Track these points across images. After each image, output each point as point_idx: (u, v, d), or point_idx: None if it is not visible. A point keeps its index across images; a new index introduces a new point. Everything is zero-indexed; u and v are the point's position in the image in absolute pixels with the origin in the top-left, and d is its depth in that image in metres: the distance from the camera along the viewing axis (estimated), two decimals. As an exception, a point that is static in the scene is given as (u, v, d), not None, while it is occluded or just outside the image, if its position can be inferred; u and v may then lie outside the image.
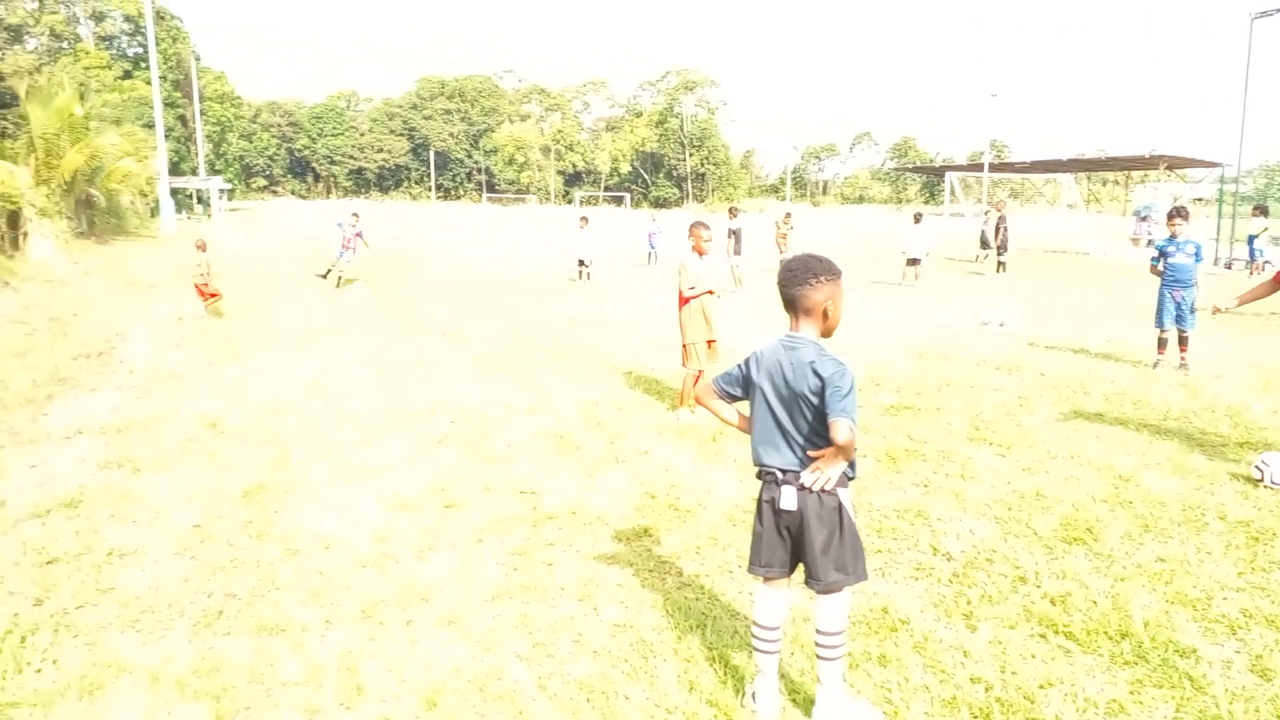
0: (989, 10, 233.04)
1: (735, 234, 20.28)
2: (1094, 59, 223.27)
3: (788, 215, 23.88)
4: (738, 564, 4.90)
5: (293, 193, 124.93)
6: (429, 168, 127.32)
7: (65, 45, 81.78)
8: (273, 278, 21.45)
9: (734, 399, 3.57)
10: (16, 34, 79.64)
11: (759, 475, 3.43)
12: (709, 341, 8.15)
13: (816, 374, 3.21)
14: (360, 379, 9.80)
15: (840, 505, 3.29)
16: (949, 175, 56.95)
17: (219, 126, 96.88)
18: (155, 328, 13.74)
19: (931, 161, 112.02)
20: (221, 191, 63.70)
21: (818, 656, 3.41)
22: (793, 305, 3.37)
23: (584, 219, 22.20)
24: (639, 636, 4.11)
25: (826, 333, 3.39)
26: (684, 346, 8.20)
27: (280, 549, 5.16)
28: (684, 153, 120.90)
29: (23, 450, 7.12)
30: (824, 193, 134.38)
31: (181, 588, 4.66)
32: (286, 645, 4.06)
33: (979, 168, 50.68)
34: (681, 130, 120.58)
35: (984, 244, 25.26)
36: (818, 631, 3.39)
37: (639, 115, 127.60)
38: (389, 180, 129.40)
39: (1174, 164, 39.64)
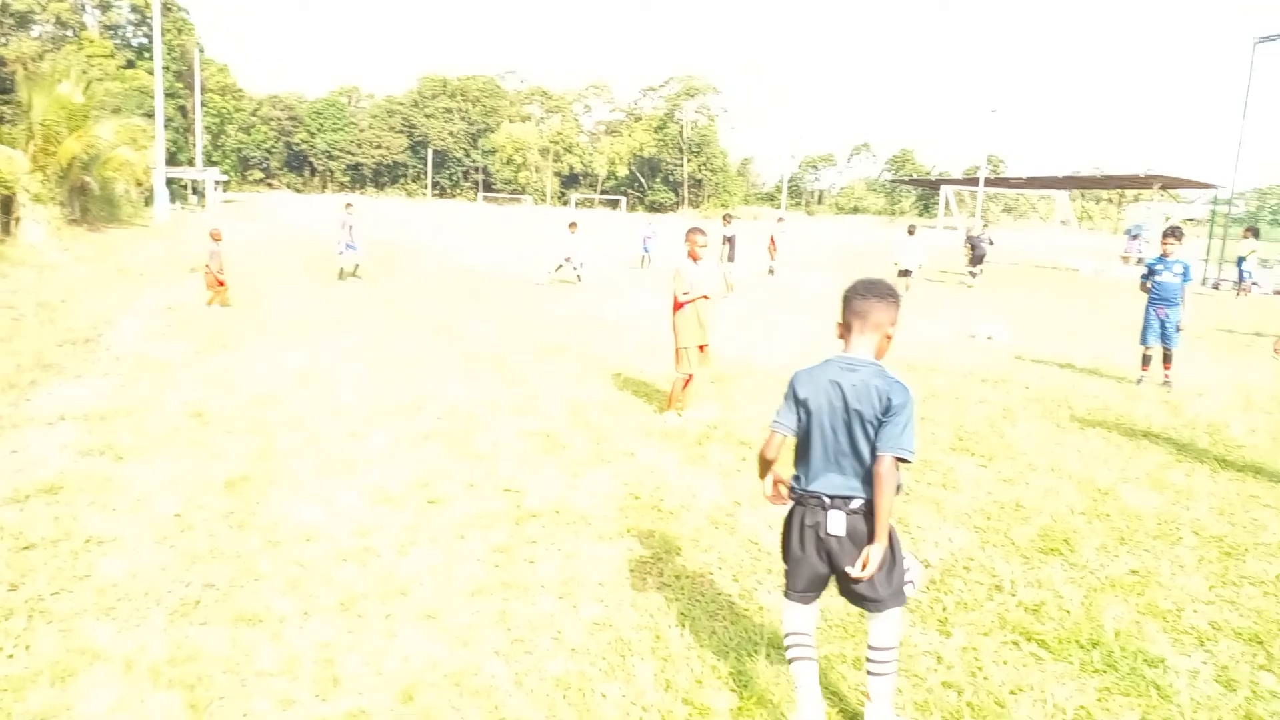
0: (993, 28, 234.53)
1: (730, 240, 20.36)
2: (1094, 78, 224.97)
3: (780, 220, 26.03)
4: (718, 566, 4.94)
5: (289, 186, 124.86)
6: (426, 165, 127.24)
7: (70, 33, 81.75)
8: (265, 269, 21.40)
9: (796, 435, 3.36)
10: (23, 20, 79.65)
11: (795, 497, 3.32)
12: (701, 346, 8.19)
13: (885, 398, 3.09)
14: (349, 372, 9.80)
15: (889, 529, 3.20)
16: (944, 188, 57.12)
17: (219, 118, 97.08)
18: (144, 316, 13.70)
19: (928, 174, 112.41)
20: (217, 183, 63.81)
21: (869, 673, 3.36)
22: (861, 317, 3.23)
23: (573, 224, 22.14)
24: (618, 635, 4.14)
25: (880, 354, 3.26)
26: (676, 350, 8.23)
27: (261, 540, 5.16)
28: (682, 158, 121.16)
29: (3, 435, 7.09)
30: (819, 202, 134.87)
31: (159, 576, 4.65)
32: (264, 636, 4.07)
33: (974, 182, 50.82)
34: (681, 136, 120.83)
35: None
36: (871, 648, 3.33)
37: (639, 120, 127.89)
38: (385, 177, 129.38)
39: (1168, 184, 39.77)
